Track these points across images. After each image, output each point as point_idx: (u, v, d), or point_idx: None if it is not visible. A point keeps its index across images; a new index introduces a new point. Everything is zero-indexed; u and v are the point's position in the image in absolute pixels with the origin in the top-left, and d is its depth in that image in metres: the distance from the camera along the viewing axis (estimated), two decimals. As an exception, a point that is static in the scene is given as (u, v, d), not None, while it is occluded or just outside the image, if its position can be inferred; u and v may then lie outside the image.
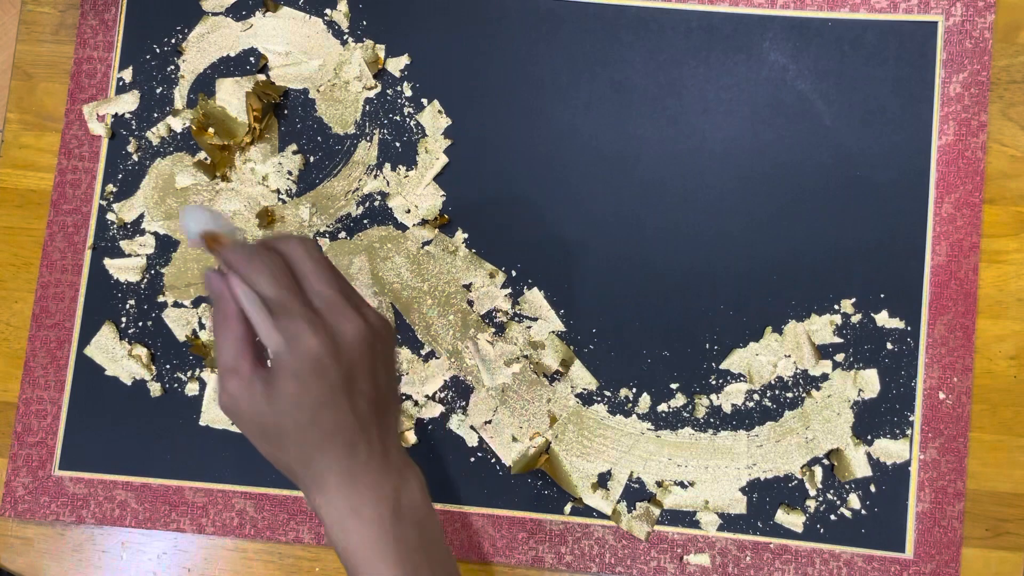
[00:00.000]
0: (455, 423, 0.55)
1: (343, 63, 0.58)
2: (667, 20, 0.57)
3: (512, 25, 0.58)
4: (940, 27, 0.56)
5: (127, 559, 0.56)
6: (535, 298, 0.56)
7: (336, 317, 0.37)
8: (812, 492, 0.54)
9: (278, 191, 0.57)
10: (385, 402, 0.40)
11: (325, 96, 0.58)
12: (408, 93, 0.58)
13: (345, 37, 0.58)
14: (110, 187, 0.58)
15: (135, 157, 0.58)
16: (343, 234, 0.57)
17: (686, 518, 0.54)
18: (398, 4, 0.58)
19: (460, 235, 0.57)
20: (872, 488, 0.54)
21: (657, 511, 0.54)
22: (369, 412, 0.39)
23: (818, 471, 0.54)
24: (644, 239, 0.56)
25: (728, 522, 0.54)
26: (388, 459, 0.40)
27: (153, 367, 0.56)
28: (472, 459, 0.55)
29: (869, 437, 0.54)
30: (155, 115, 0.58)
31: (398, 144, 0.57)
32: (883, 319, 0.55)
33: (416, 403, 0.55)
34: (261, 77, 0.58)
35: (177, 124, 0.58)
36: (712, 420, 0.54)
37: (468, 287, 0.56)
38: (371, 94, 0.58)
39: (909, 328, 0.54)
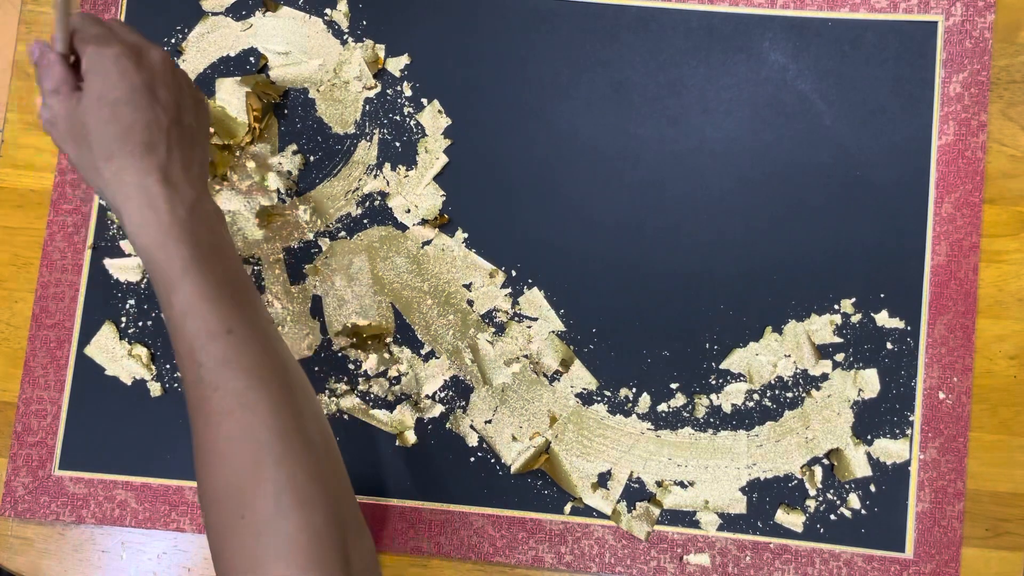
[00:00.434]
0: (455, 423, 0.55)
1: (343, 63, 0.58)
2: (667, 20, 0.57)
3: (512, 25, 0.58)
4: (940, 27, 0.56)
5: (127, 559, 0.56)
6: (535, 298, 0.56)
7: (143, 45, 0.45)
8: (812, 492, 0.54)
9: (278, 191, 0.57)
10: (190, 133, 0.45)
11: (325, 96, 0.58)
12: (408, 93, 0.58)
13: (345, 37, 0.58)
14: (110, 187, 0.58)
15: (135, 157, 0.58)
16: (343, 234, 0.57)
17: (686, 518, 0.54)
18: (398, 4, 0.58)
19: (460, 235, 0.57)
20: (872, 488, 0.54)
21: (657, 511, 0.54)
22: (170, 126, 0.44)
23: (818, 471, 0.54)
24: (644, 239, 0.56)
25: (728, 522, 0.54)
26: (187, 176, 0.44)
27: (153, 367, 0.56)
28: (472, 459, 0.55)
29: (869, 437, 0.54)
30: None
31: (398, 144, 0.57)
32: (883, 319, 0.55)
33: (416, 403, 0.55)
34: (261, 77, 0.58)
35: None
36: (712, 420, 0.54)
37: (468, 287, 0.56)
38: (371, 94, 0.58)
39: (909, 328, 0.54)
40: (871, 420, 0.54)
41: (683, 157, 0.56)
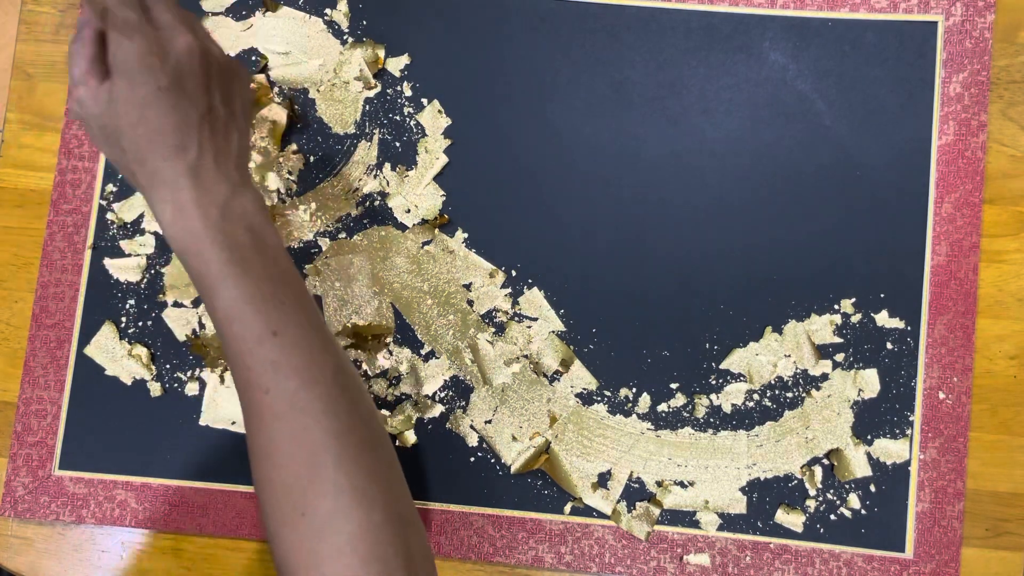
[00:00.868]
0: (455, 423, 0.55)
1: (343, 63, 0.58)
2: (667, 20, 0.57)
3: (512, 25, 0.58)
4: (940, 27, 0.56)
5: (127, 559, 0.56)
6: (535, 298, 0.56)
7: (170, 32, 0.42)
8: (812, 492, 0.54)
9: (278, 191, 0.57)
10: (223, 124, 0.43)
11: (325, 96, 0.58)
12: (408, 93, 0.58)
13: (345, 37, 0.58)
14: (110, 187, 0.58)
15: (135, 157, 0.58)
16: (343, 234, 0.57)
17: (686, 518, 0.54)
18: (398, 4, 0.58)
19: (460, 235, 0.57)
20: (872, 488, 0.54)
21: (657, 511, 0.54)
22: (200, 123, 0.42)
23: (818, 471, 0.54)
24: (644, 239, 0.56)
25: (728, 522, 0.54)
26: (220, 172, 0.42)
27: (153, 367, 0.56)
28: (472, 459, 0.55)
29: (869, 437, 0.54)
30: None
31: (398, 144, 0.57)
32: (883, 319, 0.55)
33: (416, 403, 0.55)
34: (260, 77, 0.58)
35: None
36: (712, 420, 0.54)
37: (468, 287, 0.56)
38: (371, 94, 0.58)
39: (909, 328, 0.54)
40: (871, 420, 0.54)
41: (683, 157, 0.56)
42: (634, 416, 0.55)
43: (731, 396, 0.55)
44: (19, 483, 0.56)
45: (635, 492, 0.54)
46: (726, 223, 0.56)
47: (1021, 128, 0.56)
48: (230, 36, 0.59)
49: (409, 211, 0.57)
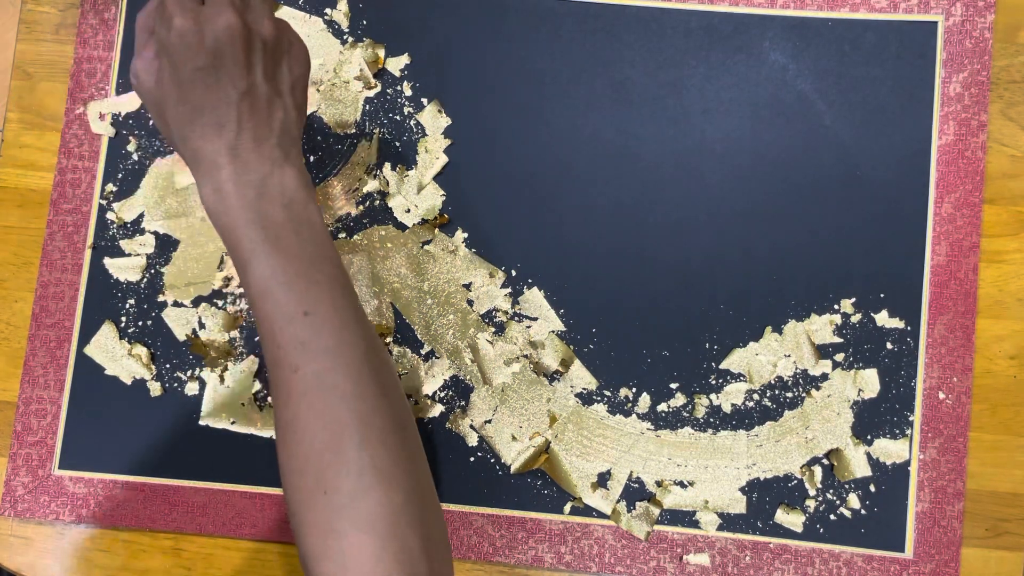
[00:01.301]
0: (455, 423, 0.55)
1: (343, 63, 0.58)
2: (667, 20, 0.57)
3: (512, 25, 0.58)
4: (940, 27, 0.56)
5: (127, 559, 0.56)
6: (535, 298, 0.56)
7: (214, 11, 0.42)
8: (812, 492, 0.54)
9: (278, 191, 0.57)
10: (265, 102, 0.43)
11: (325, 96, 0.58)
12: (408, 93, 0.58)
13: (345, 37, 0.58)
14: (110, 186, 0.58)
15: (135, 156, 0.58)
16: (343, 234, 0.57)
17: (686, 518, 0.54)
18: (398, 4, 0.58)
19: (460, 235, 0.57)
20: (872, 488, 0.54)
21: (657, 511, 0.54)
22: (241, 102, 0.42)
23: (818, 471, 0.54)
24: (644, 238, 0.56)
25: (728, 522, 0.54)
26: (260, 150, 0.43)
27: (153, 366, 0.56)
28: (472, 459, 0.55)
29: (869, 437, 0.54)
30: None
31: (398, 144, 0.57)
32: (883, 319, 0.55)
33: (416, 403, 0.55)
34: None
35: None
36: (712, 420, 0.54)
37: (468, 287, 0.56)
38: (371, 94, 0.58)
39: (909, 328, 0.54)
40: (871, 420, 0.54)
41: (683, 157, 0.56)
42: (634, 416, 0.55)
43: (731, 396, 0.55)
44: (19, 483, 0.56)
45: (635, 492, 0.54)
46: (726, 223, 0.56)
47: (1021, 128, 0.56)
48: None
49: (409, 211, 0.57)
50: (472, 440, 0.55)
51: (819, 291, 0.55)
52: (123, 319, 0.57)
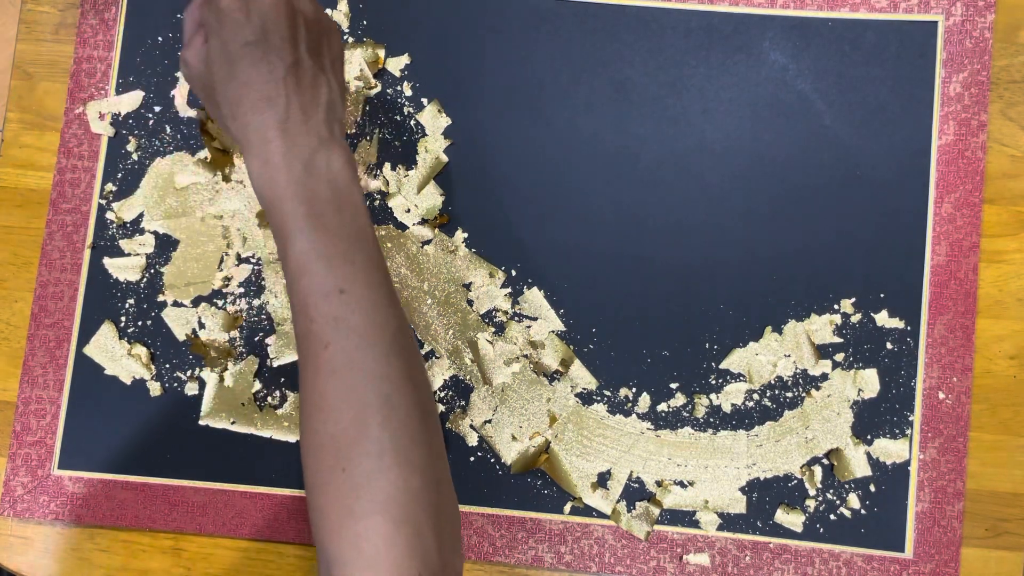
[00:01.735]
0: (455, 423, 0.55)
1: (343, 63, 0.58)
2: (667, 20, 0.57)
3: (512, 25, 0.58)
4: (940, 27, 0.56)
5: (127, 559, 0.56)
6: (535, 298, 0.56)
7: None
8: (812, 492, 0.54)
9: (278, 191, 0.57)
10: (311, 77, 0.44)
11: (325, 96, 0.58)
12: (408, 93, 0.58)
13: (345, 37, 0.58)
14: (109, 186, 0.58)
15: (135, 156, 0.58)
16: (343, 234, 0.57)
17: (686, 518, 0.54)
18: (398, 4, 0.58)
19: (460, 235, 0.57)
20: (872, 488, 0.54)
21: (657, 511, 0.54)
22: (288, 76, 0.43)
23: (818, 471, 0.54)
24: (644, 238, 0.56)
25: (728, 522, 0.54)
26: (308, 125, 0.44)
27: (153, 366, 0.56)
28: (472, 459, 0.55)
29: (869, 437, 0.54)
30: (155, 114, 0.58)
31: (398, 144, 0.57)
32: (883, 319, 0.55)
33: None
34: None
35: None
36: (712, 420, 0.54)
37: (468, 287, 0.56)
38: (371, 94, 0.58)
39: (909, 328, 0.54)
40: (871, 420, 0.54)
41: (683, 157, 0.56)
42: (634, 416, 0.55)
43: (731, 396, 0.55)
44: (18, 483, 0.56)
45: (635, 492, 0.54)
46: (726, 223, 0.56)
47: (1021, 128, 0.56)
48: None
49: (409, 211, 0.57)
50: (472, 440, 0.55)
51: (819, 291, 0.55)
52: (123, 319, 0.57)
